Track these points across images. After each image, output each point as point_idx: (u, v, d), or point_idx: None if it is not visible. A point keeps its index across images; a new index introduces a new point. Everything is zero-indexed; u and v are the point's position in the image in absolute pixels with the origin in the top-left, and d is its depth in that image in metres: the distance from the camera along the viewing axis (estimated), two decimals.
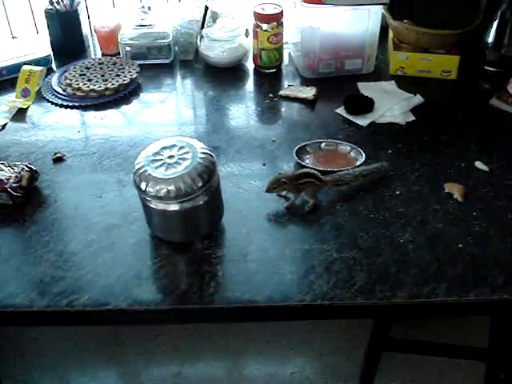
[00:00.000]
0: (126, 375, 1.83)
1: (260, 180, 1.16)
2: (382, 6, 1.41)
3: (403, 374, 1.77)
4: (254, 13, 1.44)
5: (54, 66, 1.58)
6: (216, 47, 1.49)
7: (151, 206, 1.00)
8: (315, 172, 1.11)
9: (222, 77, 1.51)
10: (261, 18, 1.44)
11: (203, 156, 1.00)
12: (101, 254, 1.04)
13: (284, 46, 1.53)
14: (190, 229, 1.05)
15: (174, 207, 0.99)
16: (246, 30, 1.54)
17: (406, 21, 1.43)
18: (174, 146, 1.02)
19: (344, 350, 1.84)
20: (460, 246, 1.03)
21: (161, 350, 1.85)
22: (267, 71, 1.51)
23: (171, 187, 0.96)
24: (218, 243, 1.05)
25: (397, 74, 1.49)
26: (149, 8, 1.59)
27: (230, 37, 1.48)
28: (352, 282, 0.97)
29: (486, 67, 1.51)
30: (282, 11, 1.45)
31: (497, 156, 1.23)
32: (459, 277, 0.98)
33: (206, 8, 1.56)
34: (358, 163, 1.19)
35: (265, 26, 1.44)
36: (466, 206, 1.11)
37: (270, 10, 1.44)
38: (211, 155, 1.01)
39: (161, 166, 0.98)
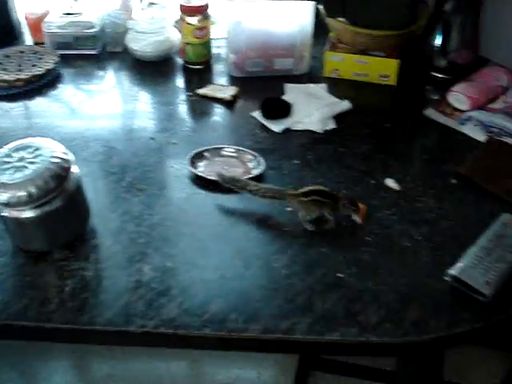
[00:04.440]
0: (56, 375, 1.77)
1: (145, 185, 1.07)
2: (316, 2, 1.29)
3: None
4: (180, 5, 1.34)
5: None
6: (141, 39, 1.39)
7: (3, 213, 0.92)
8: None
9: (148, 71, 1.41)
10: (185, 10, 1.33)
11: (55, 160, 0.91)
12: None
13: (216, 41, 1.43)
14: (45, 237, 0.96)
15: (25, 214, 0.91)
16: (176, 21, 1.43)
17: (342, 19, 1.31)
18: (27, 147, 0.94)
19: (282, 363, 1.73)
20: (340, 275, 0.91)
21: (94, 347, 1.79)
22: (194, 67, 1.41)
23: (17, 192, 0.88)
24: (78, 254, 0.96)
25: (332, 76, 1.36)
26: None
27: (155, 28, 1.38)
28: (205, 308, 0.87)
29: (435, 73, 1.37)
30: (208, 4, 1.34)
31: (414, 174, 1.10)
32: (328, 311, 0.86)
33: None
34: (255, 173, 1.08)
35: (189, 19, 1.33)
36: (361, 230, 0.99)
37: (195, 2, 1.33)
38: (65, 159, 0.92)
39: (9, 169, 0.90)
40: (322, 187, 0.99)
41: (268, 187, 1.01)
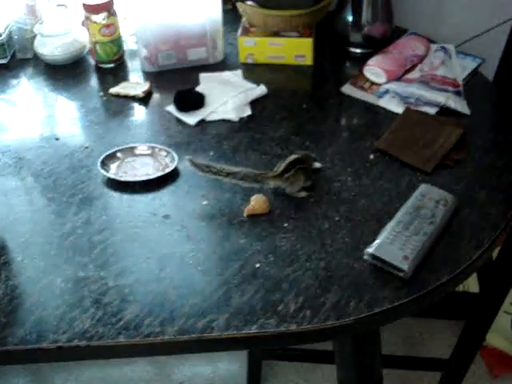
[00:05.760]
0: None
1: (56, 194, 1.03)
2: None
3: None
4: (82, 4, 1.29)
5: None
6: (48, 43, 1.34)
7: None
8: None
9: (60, 75, 1.36)
10: (89, 8, 1.28)
11: None
12: None
13: (131, 37, 1.39)
14: None
15: None
16: (82, 21, 1.38)
17: (250, 2, 1.28)
18: None
19: (235, 355, 1.71)
20: (257, 265, 0.89)
21: None
22: (106, 66, 1.36)
23: None
24: None
25: (247, 61, 1.33)
26: None
27: (61, 31, 1.34)
28: (120, 315, 0.84)
29: (352, 49, 1.35)
30: (112, 0, 1.29)
31: (332, 153, 1.08)
32: (245, 305, 0.84)
33: None
34: (168, 170, 1.05)
35: (94, 17, 1.29)
36: (279, 216, 0.97)
37: (99, 0, 1.29)
38: None
39: None
40: (294, 156, 0.99)
41: (248, 170, 0.99)
